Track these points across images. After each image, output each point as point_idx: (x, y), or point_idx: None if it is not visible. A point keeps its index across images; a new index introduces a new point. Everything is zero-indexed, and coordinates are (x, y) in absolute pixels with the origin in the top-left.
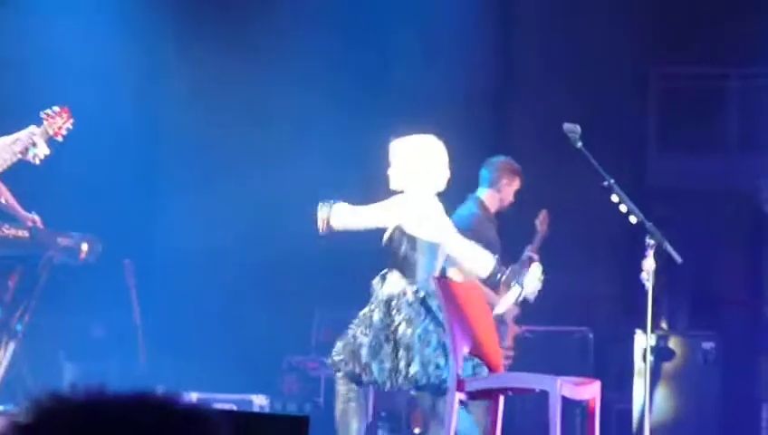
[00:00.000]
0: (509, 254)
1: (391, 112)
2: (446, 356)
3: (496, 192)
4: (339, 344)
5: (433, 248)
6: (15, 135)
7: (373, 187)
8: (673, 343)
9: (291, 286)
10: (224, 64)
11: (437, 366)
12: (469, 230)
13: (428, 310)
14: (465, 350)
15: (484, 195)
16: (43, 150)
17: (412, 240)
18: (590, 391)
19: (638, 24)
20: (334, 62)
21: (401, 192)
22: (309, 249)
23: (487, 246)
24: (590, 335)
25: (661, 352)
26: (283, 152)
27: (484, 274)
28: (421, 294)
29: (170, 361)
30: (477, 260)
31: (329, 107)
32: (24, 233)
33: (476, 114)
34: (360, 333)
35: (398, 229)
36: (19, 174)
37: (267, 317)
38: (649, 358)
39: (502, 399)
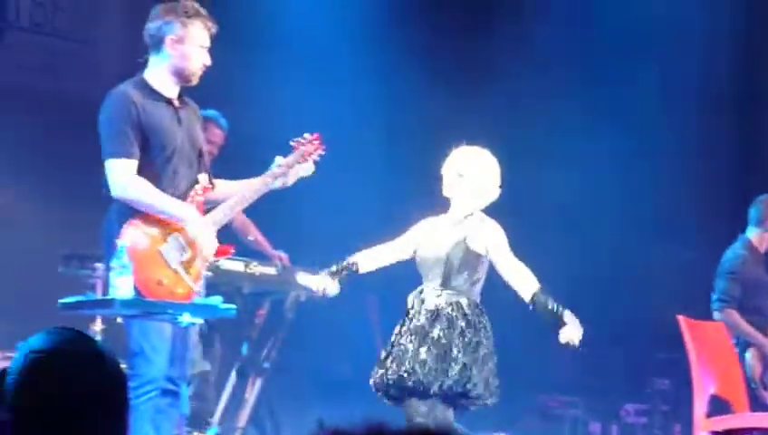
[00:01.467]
0: None
1: None
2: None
3: (764, 231)
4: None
5: (484, 264)
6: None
7: None
8: None
9: None
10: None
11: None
12: (731, 272)
13: (485, 325)
14: (711, 389)
15: (752, 234)
16: (292, 177)
17: (472, 255)
18: None
19: None
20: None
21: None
22: None
23: (755, 286)
24: None
25: None
26: None
27: (527, 298)
28: (477, 307)
29: None
30: (523, 283)
31: None
32: (271, 271)
33: None
34: (412, 345)
35: (461, 244)
36: (266, 211)
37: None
38: None
39: None
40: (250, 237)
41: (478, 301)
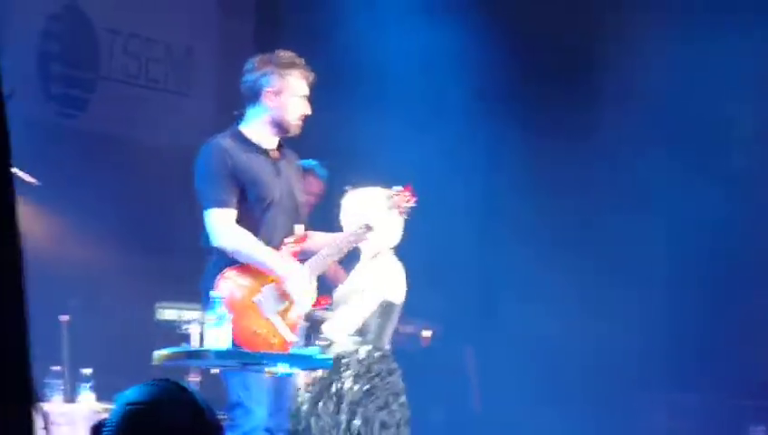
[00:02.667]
0: None
1: None
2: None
3: None
4: None
5: (390, 309)
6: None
7: None
8: None
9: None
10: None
11: (383, 425)
12: None
13: (377, 372)
14: None
15: None
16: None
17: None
18: None
19: None
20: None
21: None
22: None
23: None
24: None
25: None
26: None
27: None
28: (376, 354)
29: None
30: None
31: None
32: None
33: None
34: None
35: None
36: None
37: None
38: None
39: None
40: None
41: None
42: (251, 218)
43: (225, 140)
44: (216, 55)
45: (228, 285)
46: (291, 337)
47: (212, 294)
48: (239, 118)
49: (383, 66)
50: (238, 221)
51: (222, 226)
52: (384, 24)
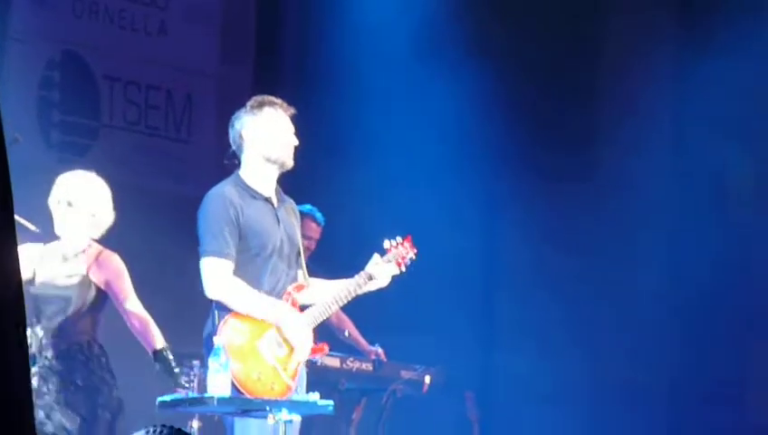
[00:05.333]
0: None
1: None
2: None
3: None
4: None
5: None
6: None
7: None
8: None
9: None
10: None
11: None
12: None
13: None
14: None
15: None
16: (386, 276)
17: None
18: None
19: None
20: None
21: None
22: None
23: None
24: None
25: None
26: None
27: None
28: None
29: None
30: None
31: None
32: (367, 366)
33: None
34: None
35: None
36: (361, 307)
37: None
38: None
39: None
40: (346, 333)
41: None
42: (253, 267)
43: (227, 187)
44: (215, 101)
45: (229, 330)
46: (291, 383)
47: (214, 339)
48: (236, 164)
49: (384, 111)
50: (241, 269)
51: (213, 276)
52: (386, 70)
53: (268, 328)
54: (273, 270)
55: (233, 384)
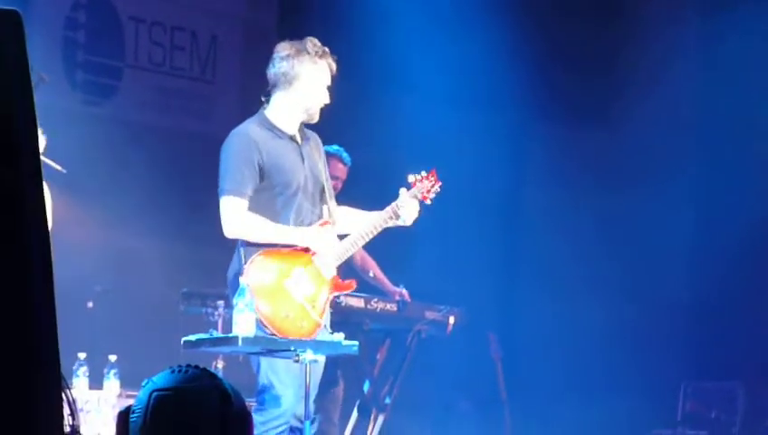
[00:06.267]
0: None
1: None
2: None
3: None
4: None
5: None
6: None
7: None
8: None
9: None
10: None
11: None
12: None
13: None
14: None
15: None
16: (411, 214)
17: None
18: None
19: None
20: None
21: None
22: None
23: None
24: None
25: None
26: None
27: None
28: None
29: None
30: None
31: None
32: (392, 307)
33: None
34: None
35: None
36: (387, 246)
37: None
38: None
39: None
40: (370, 274)
41: None
42: (275, 204)
43: (251, 127)
44: (240, 43)
45: (257, 269)
46: (320, 320)
47: (240, 280)
48: (265, 102)
49: (405, 52)
50: (264, 207)
51: (230, 214)
52: (414, 11)
53: (295, 266)
54: (298, 208)
55: (261, 323)
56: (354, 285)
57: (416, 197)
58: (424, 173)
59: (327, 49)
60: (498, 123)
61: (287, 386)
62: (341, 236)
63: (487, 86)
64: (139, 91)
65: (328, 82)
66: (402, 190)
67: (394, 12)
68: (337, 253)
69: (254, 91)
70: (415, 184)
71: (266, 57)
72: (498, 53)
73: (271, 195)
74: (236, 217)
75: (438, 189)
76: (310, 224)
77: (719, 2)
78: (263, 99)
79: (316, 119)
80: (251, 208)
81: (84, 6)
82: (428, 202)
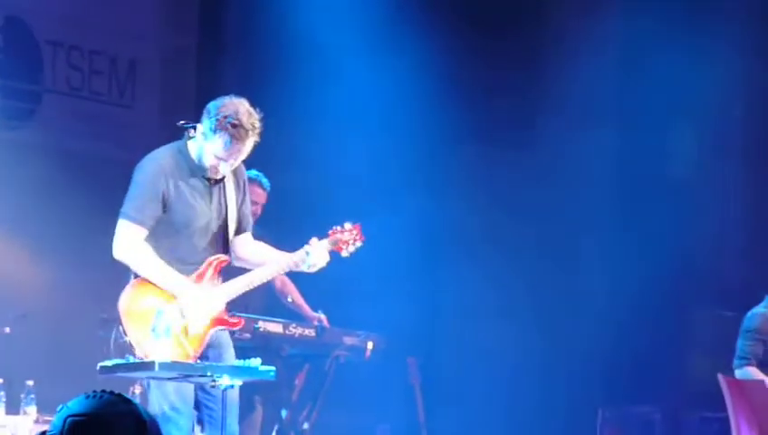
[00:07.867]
0: None
1: None
2: None
3: None
4: None
5: None
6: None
7: None
8: None
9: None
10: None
11: None
12: (751, 330)
13: None
14: None
15: None
16: (318, 262)
17: None
18: None
19: None
20: None
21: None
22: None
23: None
24: None
25: None
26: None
27: None
28: None
29: None
30: None
31: None
32: (310, 332)
33: None
34: None
35: None
36: (304, 275)
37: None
38: None
39: None
40: (289, 299)
41: None
42: (174, 237)
43: (167, 156)
44: (159, 68)
45: (131, 294)
46: (192, 352)
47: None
48: (188, 129)
49: (322, 75)
50: (162, 237)
51: (123, 239)
52: (328, 38)
53: (172, 298)
54: (194, 246)
55: (131, 348)
56: (241, 324)
57: (327, 247)
58: (348, 226)
59: (255, 130)
60: (415, 147)
61: (179, 412)
62: (245, 270)
63: (402, 110)
64: (56, 116)
65: (243, 156)
66: (313, 240)
67: (311, 34)
68: (227, 291)
69: (173, 117)
70: (332, 234)
71: (186, 81)
72: (411, 74)
73: (167, 227)
74: (129, 244)
75: (360, 245)
76: (202, 261)
77: (641, 26)
78: (186, 124)
79: (222, 175)
80: (148, 231)
81: (0, 30)
82: (345, 255)
